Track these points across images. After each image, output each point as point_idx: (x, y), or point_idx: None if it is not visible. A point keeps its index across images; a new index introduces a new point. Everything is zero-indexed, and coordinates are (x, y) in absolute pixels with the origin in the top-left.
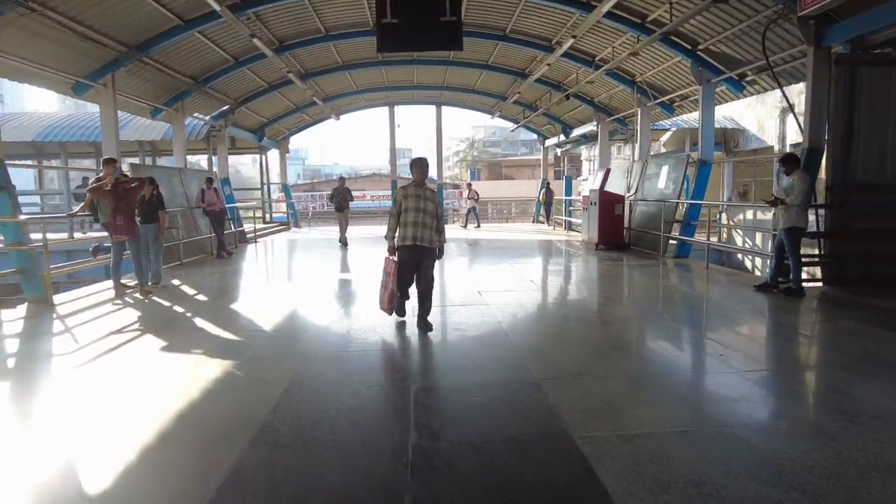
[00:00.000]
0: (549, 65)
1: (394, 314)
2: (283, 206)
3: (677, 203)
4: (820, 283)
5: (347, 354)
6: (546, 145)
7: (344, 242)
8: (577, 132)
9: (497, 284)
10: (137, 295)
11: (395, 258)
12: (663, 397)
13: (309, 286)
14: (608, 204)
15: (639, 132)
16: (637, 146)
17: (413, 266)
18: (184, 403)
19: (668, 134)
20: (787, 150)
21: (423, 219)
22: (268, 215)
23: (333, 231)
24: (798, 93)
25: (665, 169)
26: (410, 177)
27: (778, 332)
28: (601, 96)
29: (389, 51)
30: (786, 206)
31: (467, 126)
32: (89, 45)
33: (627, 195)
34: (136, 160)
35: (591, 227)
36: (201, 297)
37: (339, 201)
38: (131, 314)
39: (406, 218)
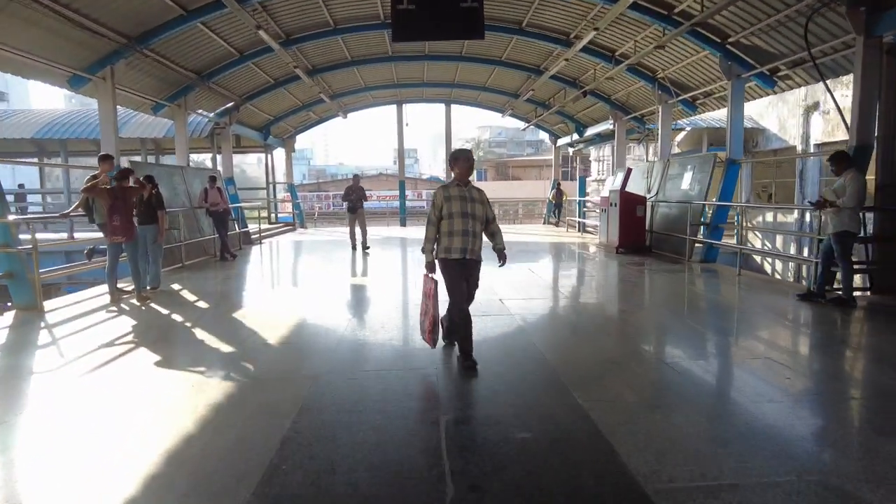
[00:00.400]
0: (566, 60)
1: (440, 347)
2: (289, 207)
3: (704, 205)
4: (867, 293)
5: (363, 375)
6: (558, 144)
7: (356, 246)
8: (591, 131)
9: (518, 291)
10: (134, 301)
11: (434, 276)
12: (739, 434)
13: (317, 293)
14: (630, 205)
15: (659, 130)
16: (658, 145)
17: (463, 283)
18: (176, 438)
19: (682, 134)
20: (811, 150)
21: (472, 226)
22: (273, 215)
23: (340, 232)
24: (824, 90)
25: (690, 169)
26: (417, 177)
27: (842, 351)
28: (619, 93)
29: (405, 40)
30: (836, 209)
31: (472, 126)
32: (86, 36)
33: (648, 196)
34: (138, 158)
35: (612, 230)
36: (202, 304)
37: (354, 201)
38: (125, 323)
39: (451, 226)
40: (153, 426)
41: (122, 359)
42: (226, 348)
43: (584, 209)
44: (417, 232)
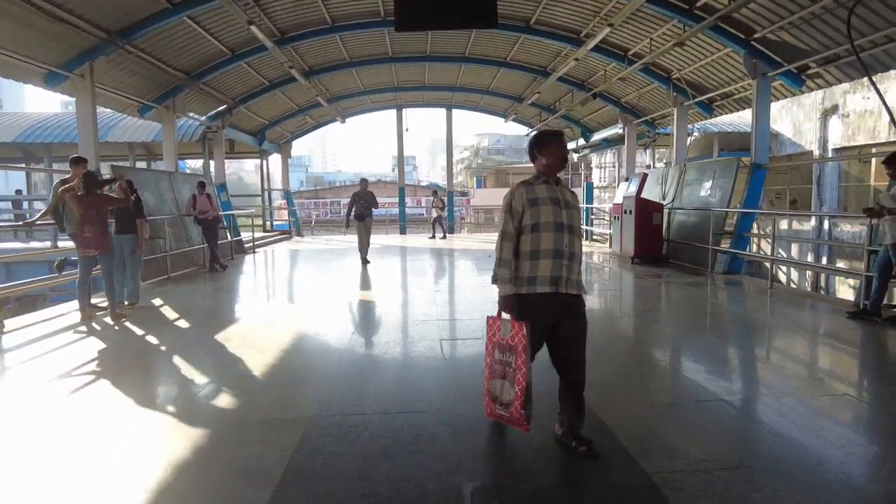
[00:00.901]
0: (576, 60)
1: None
2: (285, 214)
3: (726, 213)
4: None
5: (364, 421)
6: None
7: (364, 260)
8: (598, 136)
9: None
10: (108, 319)
11: (509, 316)
12: None
13: (313, 310)
14: (646, 213)
15: (675, 134)
16: (673, 150)
17: (546, 330)
18: None
19: (691, 139)
20: (829, 154)
21: (568, 242)
22: (268, 223)
23: (337, 241)
24: (844, 92)
25: (710, 174)
26: (416, 184)
27: None
28: (629, 96)
29: (409, 29)
30: (894, 218)
31: (471, 134)
32: (62, 29)
33: (664, 203)
34: (126, 163)
35: (626, 239)
36: (183, 323)
37: (361, 208)
38: (93, 347)
39: (536, 242)
40: (92, 501)
41: (79, 394)
42: (202, 380)
43: (592, 216)
44: (418, 240)
